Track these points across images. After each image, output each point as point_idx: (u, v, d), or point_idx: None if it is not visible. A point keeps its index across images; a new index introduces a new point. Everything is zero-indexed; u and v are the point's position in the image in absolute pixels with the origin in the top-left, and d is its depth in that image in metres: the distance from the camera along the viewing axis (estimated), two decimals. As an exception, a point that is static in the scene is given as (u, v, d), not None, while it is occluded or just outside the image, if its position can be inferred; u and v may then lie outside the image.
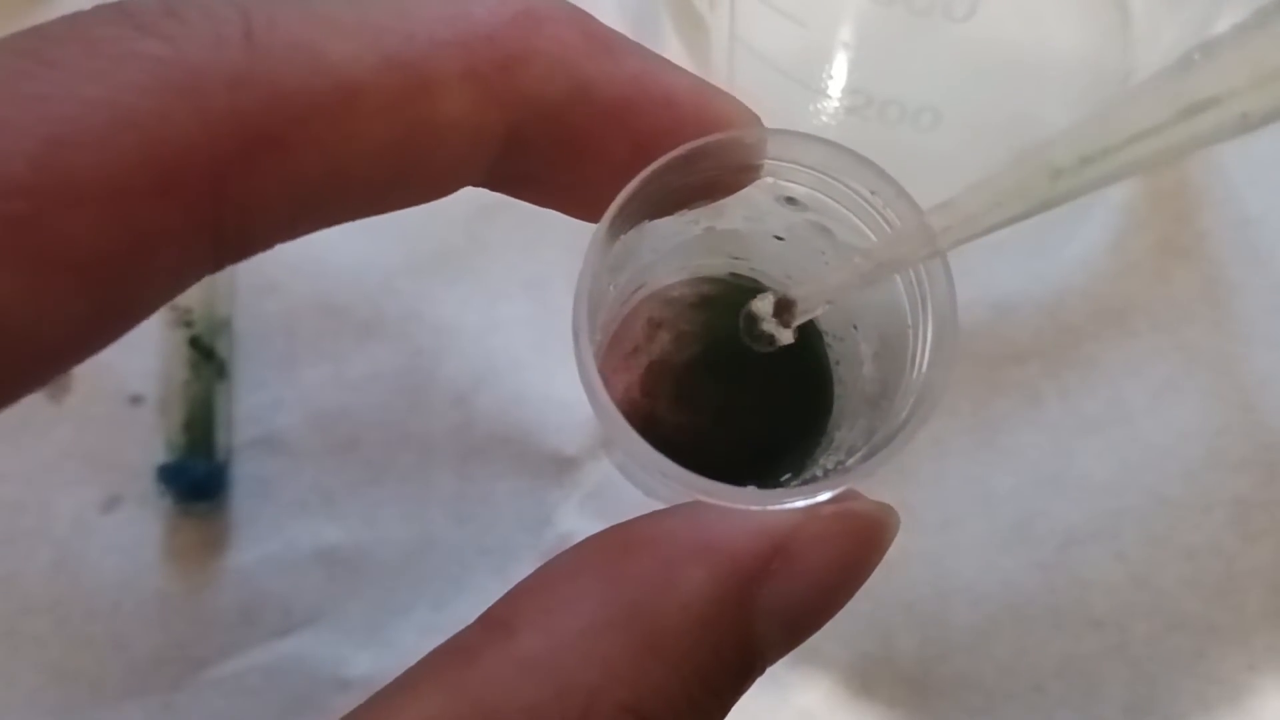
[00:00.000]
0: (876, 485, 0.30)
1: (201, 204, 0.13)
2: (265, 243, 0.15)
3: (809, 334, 0.18)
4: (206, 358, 0.29)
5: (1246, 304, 0.30)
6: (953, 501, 0.28)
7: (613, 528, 0.16)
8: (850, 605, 0.27)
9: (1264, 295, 0.30)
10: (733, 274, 0.19)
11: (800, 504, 0.15)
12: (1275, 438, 0.29)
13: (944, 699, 0.27)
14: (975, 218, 0.15)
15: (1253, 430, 0.29)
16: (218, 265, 0.14)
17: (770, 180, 0.17)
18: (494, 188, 0.17)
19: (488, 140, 0.15)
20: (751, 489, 0.15)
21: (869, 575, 0.17)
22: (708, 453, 0.17)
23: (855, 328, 0.17)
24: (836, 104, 0.26)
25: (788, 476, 0.17)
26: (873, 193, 0.16)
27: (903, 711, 0.27)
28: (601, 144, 0.16)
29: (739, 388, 0.18)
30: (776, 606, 0.16)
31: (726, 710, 0.16)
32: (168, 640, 0.27)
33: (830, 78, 0.26)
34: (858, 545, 0.16)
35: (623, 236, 0.16)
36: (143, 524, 0.28)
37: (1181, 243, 0.31)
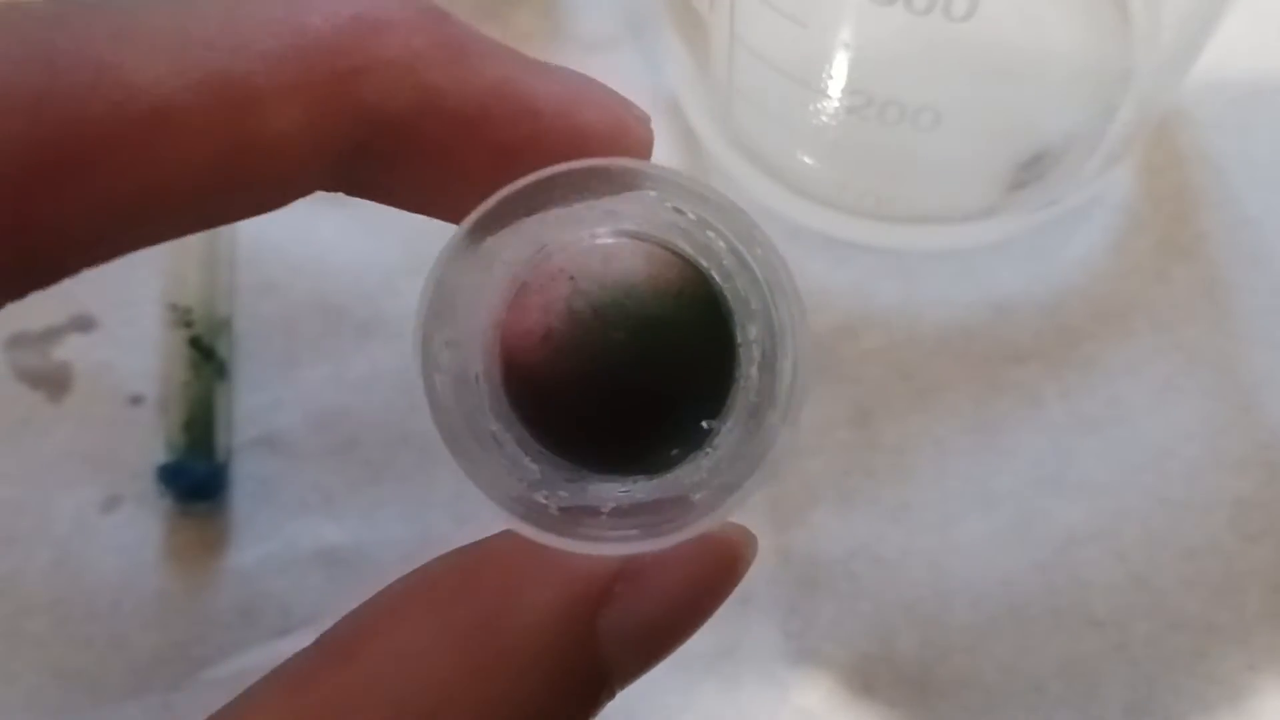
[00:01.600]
0: (877, 486, 0.30)
1: (3, 229, 0.13)
2: (83, 262, 0.15)
3: (722, 311, 0.17)
4: (206, 358, 0.29)
5: (1246, 304, 0.30)
6: (953, 501, 0.28)
7: (459, 548, 0.16)
8: (850, 605, 0.28)
9: (1264, 295, 0.30)
10: (652, 239, 0.18)
11: (623, 551, 0.14)
12: (1275, 438, 0.29)
13: (944, 699, 0.27)
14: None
15: (1253, 430, 0.29)
16: (36, 284, 0.14)
17: (654, 194, 0.16)
18: (347, 192, 0.16)
19: (324, 154, 0.15)
20: (575, 540, 0.14)
21: (724, 598, 0.16)
22: (609, 422, 0.17)
23: (751, 325, 0.16)
24: (836, 104, 0.26)
25: (676, 452, 0.16)
26: (745, 243, 0.15)
27: (903, 711, 0.27)
28: (457, 155, 0.15)
29: (646, 352, 0.17)
30: (624, 629, 0.15)
31: None
32: (168, 640, 0.27)
33: (830, 78, 0.26)
34: (709, 569, 0.16)
35: (491, 237, 0.15)
36: (143, 524, 0.28)
37: (1181, 243, 0.31)
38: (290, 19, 0.14)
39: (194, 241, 0.30)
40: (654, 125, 0.33)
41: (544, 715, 0.15)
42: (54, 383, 0.29)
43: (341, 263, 0.30)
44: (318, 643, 0.15)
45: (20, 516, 0.28)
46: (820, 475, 0.29)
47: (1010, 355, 0.30)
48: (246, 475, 0.29)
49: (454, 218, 0.15)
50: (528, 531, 0.14)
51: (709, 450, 0.16)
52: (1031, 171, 0.28)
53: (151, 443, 0.29)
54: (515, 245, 0.16)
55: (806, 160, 0.29)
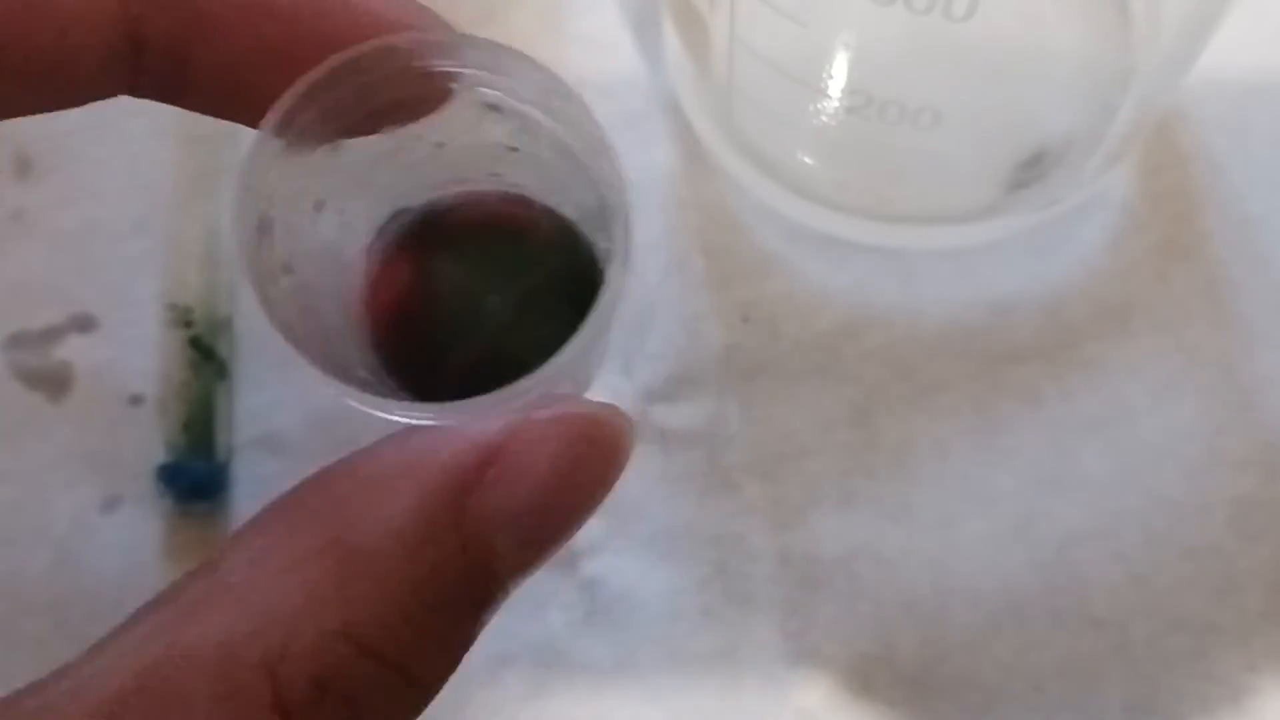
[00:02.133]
0: (877, 486, 0.30)
1: None
2: None
3: (583, 246, 0.17)
4: (206, 358, 0.29)
5: (1246, 304, 0.30)
6: (953, 501, 0.28)
7: (326, 465, 0.15)
8: (850, 605, 0.28)
9: (1264, 295, 0.30)
10: (503, 194, 0.18)
11: (465, 413, 0.14)
12: (1275, 437, 0.29)
13: (944, 699, 0.27)
14: None
15: (1253, 430, 0.29)
16: None
17: (478, 91, 0.16)
18: (146, 95, 0.16)
19: (108, 29, 0.14)
20: (427, 410, 0.14)
21: (606, 478, 0.16)
22: (484, 374, 0.16)
23: (602, 231, 0.17)
24: (836, 104, 0.26)
25: None
26: (548, 91, 0.15)
27: (903, 711, 0.27)
28: (244, 41, 0.15)
29: (510, 295, 0.17)
30: (497, 515, 0.15)
31: (465, 630, 0.15)
32: (168, 640, 0.27)
33: (830, 78, 0.26)
34: (576, 445, 0.15)
35: (310, 155, 0.15)
36: (143, 524, 0.28)
37: (1181, 243, 0.31)
38: None
39: (194, 241, 0.30)
40: (654, 125, 0.33)
41: (422, 611, 0.14)
42: (54, 383, 0.29)
43: (341, 263, 0.30)
44: (199, 564, 0.14)
45: (20, 516, 0.28)
46: (820, 475, 0.29)
47: (1010, 355, 0.30)
48: (246, 475, 0.29)
49: (254, 122, 0.15)
50: (382, 406, 0.14)
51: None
52: (1031, 171, 0.28)
53: (151, 443, 0.29)
54: (347, 189, 0.16)
55: (806, 160, 0.29)
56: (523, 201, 0.17)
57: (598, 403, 0.16)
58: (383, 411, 0.14)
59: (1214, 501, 0.28)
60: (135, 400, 0.29)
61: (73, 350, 0.30)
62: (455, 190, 0.17)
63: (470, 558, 0.15)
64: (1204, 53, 0.26)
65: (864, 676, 0.27)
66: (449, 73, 0.15)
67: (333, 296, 0.16)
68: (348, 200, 0.16)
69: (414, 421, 0.14)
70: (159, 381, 0.29)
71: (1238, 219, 0.31)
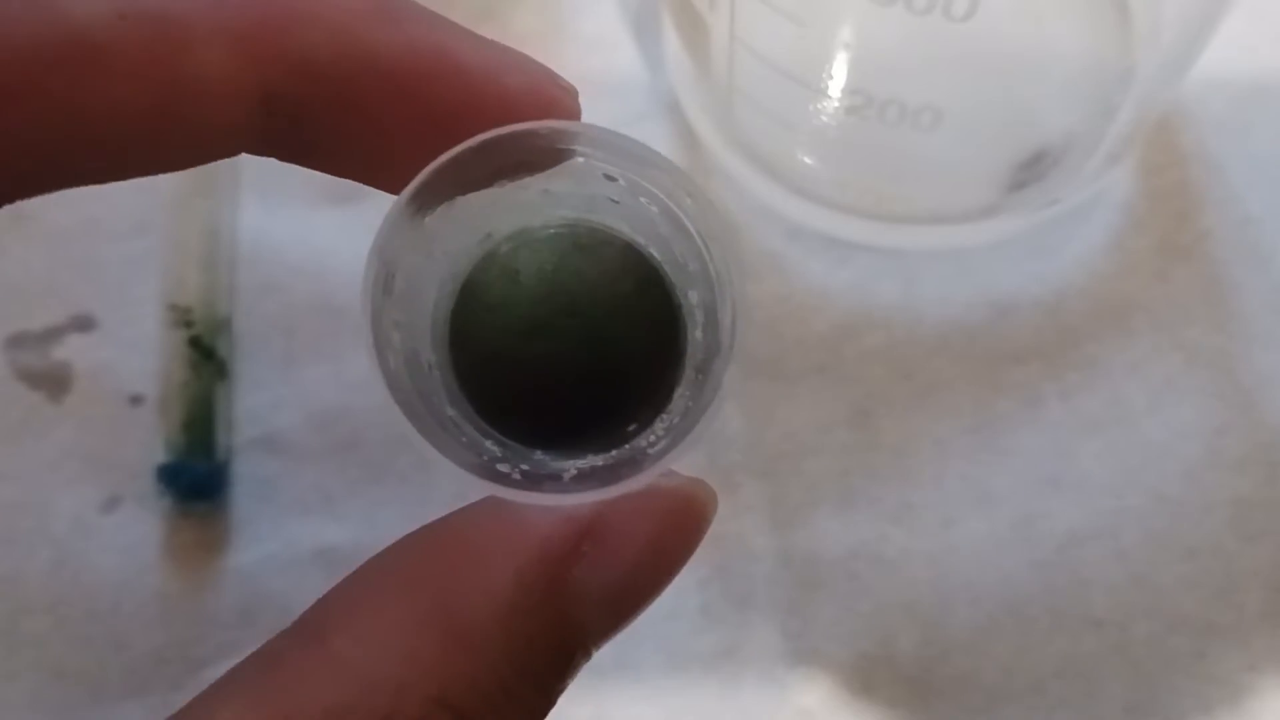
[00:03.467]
0: (877, 486, 0.30)
1: None
2: (11, 194, 0.15)
3: (666, 288, 0.17)
4: (206, 358, 0.29)
5: (1246, 304, 0.30)
6: (953, 501, 0.28)
7: (423, 526, 0.16)
8: (850, 605, 0.28)
9: (1264, 295, 0.30)
10: (589, 226, 0.18)
11: (593, 498, 0.15)
12: (1275, 437, 0.29)
13: (944, 699, 0.27)
14: None
15: (1253, 430, 0.29)
16: None
17: (582, 160, 0.16)
18: (280, 157, 0.16)
19: (250, 103, 0.15)
20: (546, 486, 0.14)
21: (690, 551, 0.16)
22: (562, 402, 0.17)
23: (692, 291, 0.17)
24: (836, 104, 0.26)
25: (633, 427, 0.16)
26: (678, 189, 0.16)
27: (903, 711, 0.27)
28: (385, 114, 0.15)
29: (598, 336, 0.17)
30: (590, 589, 0.15)
31: (552, 698, 0.15)
32: (168, 640, 0.27)
33: (830, 78, 0.26)
34: (669, 523, 0.16)
35: (431, 216, 0.15)
36: (143, 524, 0.28)
37: (1181, 242, 0.31)
38: None
39: (194, 241, 0.30)
40: (654, 125, 0.33)
41: (518, 681, 0.15)
42: (54, 383, 0.29)
43: (341, 263, 0.30)
44: (291, 626, 0.15)
45: (20, 516, 0.28)
46: (820, 475, 0.29)
47: (1010, 355, 0.30)
48: (246, 475, 0.29)
49: (385, 186, 0.16)
50: (491, 489, 0.14)
51: (662, 418, 0.16)
52: (1031, 171, 0.28)
53: (151, 443, 0.29)
54: (454, 233, 0.16)
55: (806, 160, 0.29)
56: (607, 235, 0.18)
57: (688, 478, 0.16)
58: (512, 498, 0.15)
59: (1214, 501, 0.28)
60: (135, 400, 0.29)
61: (73, 350, 0.30)
62: (543, 218, 0.18)
63: (564, 628, 0.15)
64: (1204, 53, 0.26)
65: (864, 676, 0.27)
66: (570, 150, 0.16)
67: (425, 332, 0.17)
68: (451, 243, 0.17)
69: (531, 501, 0.15)
70: (159, 381, 0.29)
71: (1237, 219, 0.31)
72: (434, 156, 0.15)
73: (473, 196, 0.16)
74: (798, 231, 0.30)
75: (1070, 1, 0.28)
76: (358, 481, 0.29)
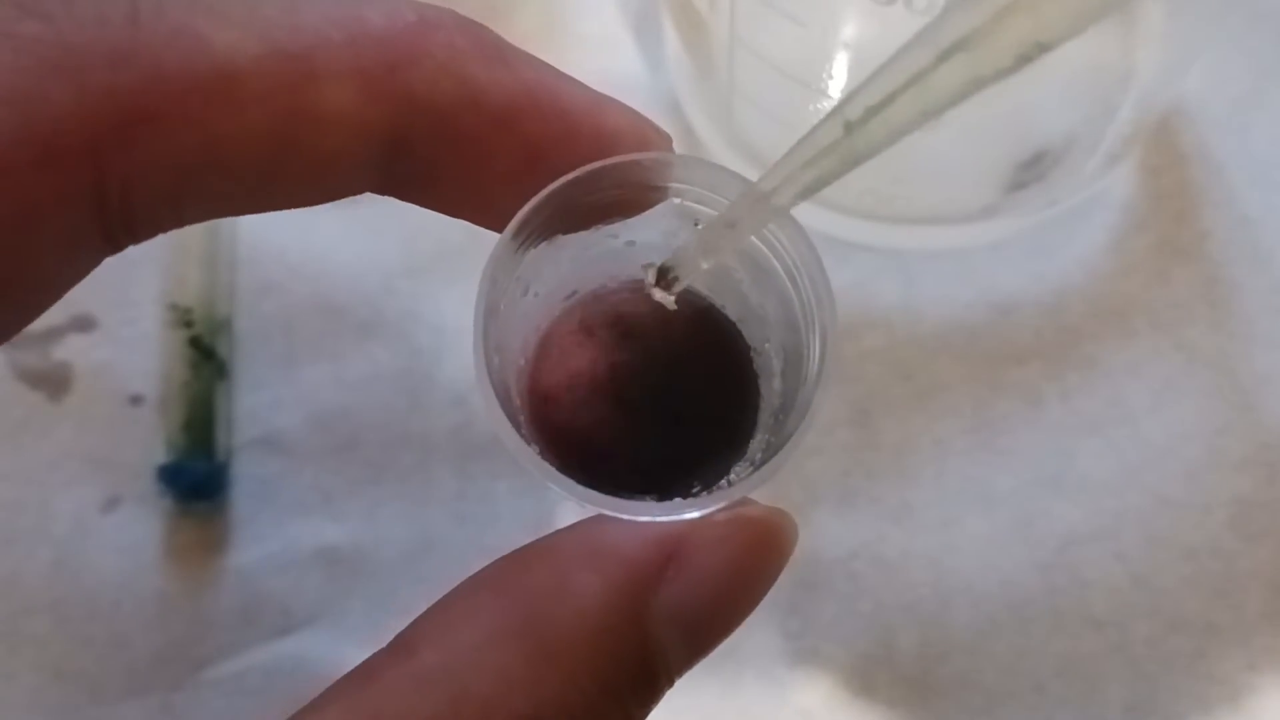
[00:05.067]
0: (877, 486, 0.30)
1: (80, 175, 0.14)
2: (152, 222, 0.15)
3: (739, 346, 0.18)
4: (206, 358, 0.29)
5: (1246, 304, 0.30)
6: (953, 501, 0.28)
7: (513, 550, 0.16)
8: (850, 605, 0.28)
9: (1264, 295, 0.30)
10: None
11: (688, 516, 0.15)
12: (1275, 438, 0.29)
13: (944, 699, 0.27)
14: (794, 177, 0.15)
15: (1253, 430, 0.29)
16: (109, 244, 0.15)
17: (678, 201, 0.17)
18: (390, 192, 0.17)
19: (373, 137, 0.16)
20: (643, 501, 0.15)
21: (772, 580, 0.17)
22: (629, 458, 0.18)
23: (768, 342, 0.18)
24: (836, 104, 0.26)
25: (698, 489, 0.17)
26: (780, 248, 0.17)
27: (903, 711, 0.27)
28: (493, 150, 0.16)
29: (667, 395, 0.18)
30: (674, 613, 0.16)
31: (633, 714, 0.16)
32: (168, 640, 0.27)
33: (830, 78, 0.26)
34: (752, 550, 0.16)
35: (533, 250, 0.16)
36: (143, 524, 0.28)
37: (1181, 243, 0.31)
38: (350, 12, 0.16)
39: (194, 241, 0.30)
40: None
41: (603, 699, 0.15)
42: (54, 383, 0.29)
43: (341, 263, 0.30)
44: (389, 644, 0.15)
45: (20, 516, 0.28)
46: (820, 475, 0.29)
47: (1010, 355, 0.30)
48: (246, 475, 0.29)
49: (488, 222, 0.17)
50: (600, 502, 0.15)
51: (739, 466, 0.17)
52: (1031, 171, 0.28)
53: (151, 443, 0.29)
54: (545, 276, 0.17)
55: (806, 160, 0.29)
56: (686, 294, 0.18)
57: (770, 508, 0.17)
58: (608, 510, 0.15)
59: (1214, 501, 0.28)
60: (135, 400, 0.29)
61: (73, 350, 0.30)
62: (621, 279, 0.18)
63: (648, 652, 0.15)
64: (1204, 53, 0.26)
65: (864, 676, 0.27)
66: (670, 186, 0.17)
67: (512, 361, 0.18)
68: (543, 284, 0.17)
69: (615, 514, 0.15)
70: (159, 381, 0.29)
71: (1237, 219, 0.31)
72: (535, 193, 0.16)
73: (567, 241, 0.17)
74: (798, 231, 0.30)
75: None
76: (358, 481, 0.29)
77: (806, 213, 0.31)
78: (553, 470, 0.15)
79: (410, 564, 0.28)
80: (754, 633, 0.27)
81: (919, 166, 0.28)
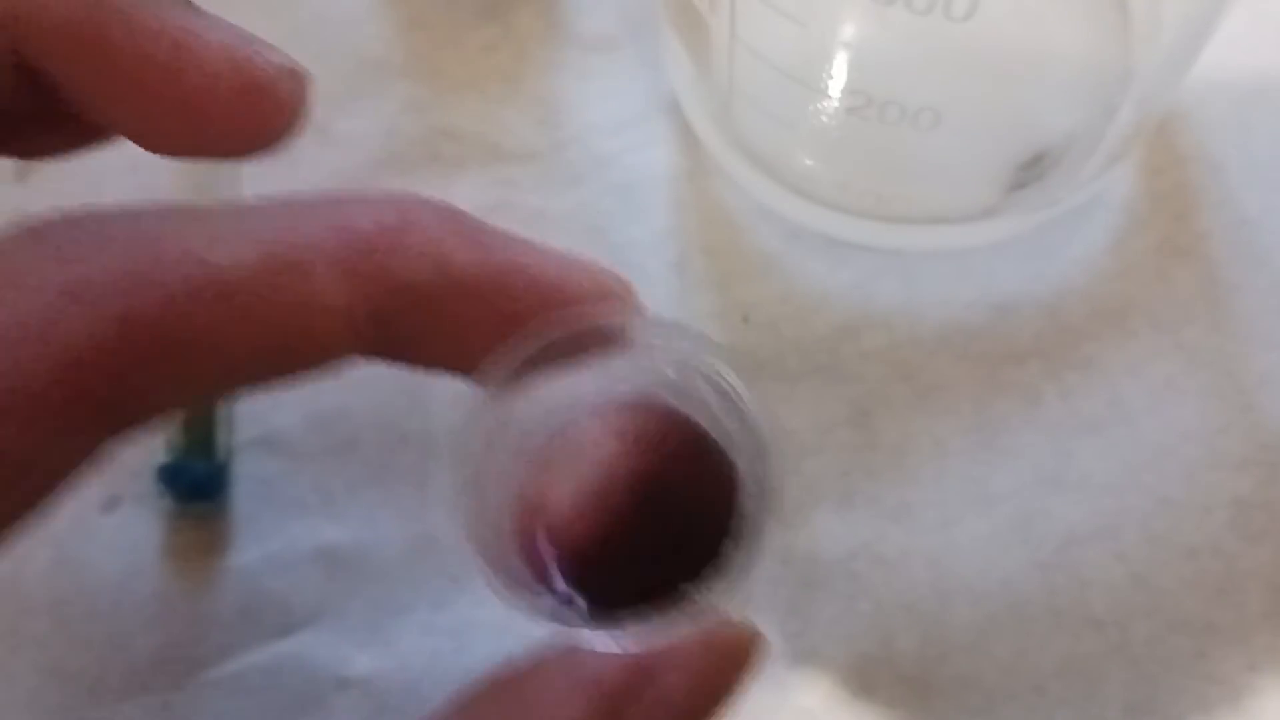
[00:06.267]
0: (877, 486, 0.30)
1: (104, 397, 0.16)
2: (157, 421, 0.17)
3: (722, 455, 0.19)
4: (206, 358, 0.29)
5: (1246, 304, 0.30)
6: (953, 501, 0.28)
7: (499, 667, 0.18)
8: (850, 605, 0.28)
9: (1264, 295, 0.30)
10: (649, 402, 0.20)
11: (648, 638, 0.16)
12: (1275, 438, 0.29)
13: (944, 699, 0.27)
14: None
15: (1253, 430, 0.29)
16: (117, 438, 0.16)
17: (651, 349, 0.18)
18: (384, 360, 0.19)
19: (361, 321, 0.17)
20: (602, 634, 0.16)
21: (737, 690, 0.18)
22: (624, 564, 0.19)
23: (737, 463, 0.19)
24: (836, 104, 0.26)
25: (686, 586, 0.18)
26: (729, 387, 0.18)
27: (903, 711, 0.27)
28: (470, 324, 0.18)
29: (662, 507, 0.19)
30: None
31: None
32: (168, 640, 0.27)
33: (830, 78, 0.26)
34: (720, 666, 0.18)
35: (508, 388, 0.17)
36: (143, 524, 0.28)
37: (1181, 243, 0.31)
38: (342, 221, 0.17)
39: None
40: (654, 125, 0.33)
41: None
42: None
43: (341, 263, 0.30)
44: None
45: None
46: (820, 475, 0.29)
47: (1010, 355, 0.30)
48: (246, 475, 0.29)
49: (468, 377, 0.18)
50: (564, 632, 0.16)
51: (712, 571, 0.18)
52: (1031, 171, 0.28)
53: (151, 443, 0.29)
54: (524, 406, 0.18)
55: (806, 160, 0.29)
56: (668, 413, 0.20)
57: (739, 625, 0.18)
58: (586, 639, 0.17)
59: (1214, 501, 0.28)
60: (135, 400, 0.29)
61: (73, 350, 0.30)
62: (616, 392, 0.20)
63: None
64: (1204, 53, 0.26)
65: (864, 676, 0.27)
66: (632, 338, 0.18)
67: (499, 491, 0.19)
68: (514, 410, 0.19)
69: (592, 642, 0.17)
70: (159, 381, 0.29)
71: (1237, 219, 0.31)
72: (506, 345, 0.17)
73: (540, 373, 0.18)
74: (798, 232, 0.30)
75: (1070, 1, 0.28)
76: (358, 481, 0.29)
77: (806, 213, 0.31)
78: (527, 610, 0.16)
79: (410, 564, 0.28)
80: (754, 633, 0.27)
81: (919, 166, 0.28)
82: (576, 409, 0.19)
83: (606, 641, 0.16)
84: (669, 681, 0.17)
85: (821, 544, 0.28)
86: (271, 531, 0.28)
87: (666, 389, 0.19)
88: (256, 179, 0.31)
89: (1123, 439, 0.29)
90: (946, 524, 0.28)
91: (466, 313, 0.18)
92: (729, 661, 0.18)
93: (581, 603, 0.18)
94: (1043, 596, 0.28)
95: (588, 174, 0.31)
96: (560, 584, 0.18)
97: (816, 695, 0.27)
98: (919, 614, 0.28)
